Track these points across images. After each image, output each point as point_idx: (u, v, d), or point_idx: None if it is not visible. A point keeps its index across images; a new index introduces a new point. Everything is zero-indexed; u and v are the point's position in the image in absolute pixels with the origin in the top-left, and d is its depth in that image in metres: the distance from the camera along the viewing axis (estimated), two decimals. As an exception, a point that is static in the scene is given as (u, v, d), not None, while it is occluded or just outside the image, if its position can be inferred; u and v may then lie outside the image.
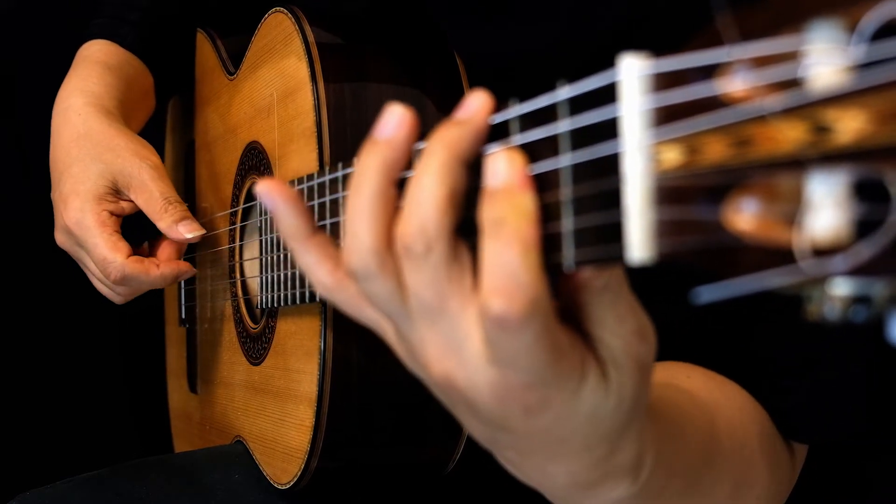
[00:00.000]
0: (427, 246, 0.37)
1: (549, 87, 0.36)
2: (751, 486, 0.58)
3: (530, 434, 0.40)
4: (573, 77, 0.35)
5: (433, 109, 0.73)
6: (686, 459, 0.50)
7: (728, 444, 0.55)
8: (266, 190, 0.43)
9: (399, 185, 0.40)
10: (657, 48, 0.32)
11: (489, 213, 0.36)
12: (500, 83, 0.76)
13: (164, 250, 0.88)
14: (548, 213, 0.36)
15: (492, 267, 0.36)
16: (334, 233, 0.62)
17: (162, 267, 0.85)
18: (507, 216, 0.36)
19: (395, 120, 0.41)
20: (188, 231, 0.85)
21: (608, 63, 0.33)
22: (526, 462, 0.43)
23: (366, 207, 0.39)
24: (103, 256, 0.82)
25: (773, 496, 0.61)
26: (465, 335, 0.38)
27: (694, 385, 0.58)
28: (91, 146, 0.85)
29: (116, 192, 0.85)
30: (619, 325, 0.38)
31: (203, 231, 0.86)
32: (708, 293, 0.29)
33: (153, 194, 0.85)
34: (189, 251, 1.01)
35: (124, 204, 0.86)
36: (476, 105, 0.39)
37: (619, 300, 0.38)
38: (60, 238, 0.87)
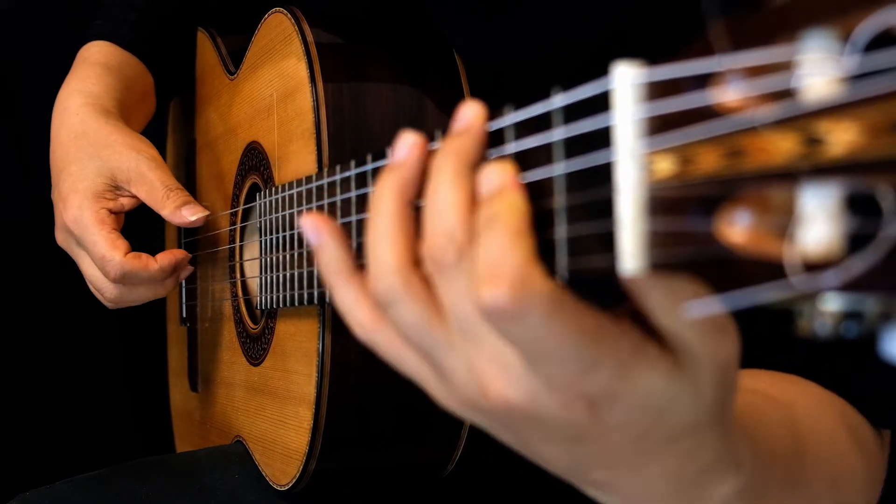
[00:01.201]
0: (458, 252, 0.36)
1: (548, 87, 0.36)
2: (849, 478, 0.55)
3: (608, 436, 0.37)
4: (572, 78, 0.35)
5: (433, 110, 0.73)
6: (778, 455, 0.47)
7: (813, 437, 0.53)
8: (311, 224, 0.43)
9: (417, 212, 0.40)
10: (657, 48, 0.31)
11: (483, 214, 0.36)
12: (499, 83, 0.76)
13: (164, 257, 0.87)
14: (542, 221, 0.36)
15: (483, 261, 0.35)
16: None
17: (160, 259, 0.85)
18: (499, 212, 0.35)
19: (407, 144, 0.41)
20: (192, 214, 0.85)
21: (608, 64, 0.32)
22: (619, 477, 0.40)
23: (386, 228, 0.39)
24: (102, 254, 0.82)
25: (870, 485, 0.58)
26: (502, 345, 0.37)
27: (763, 384, 0.56)
28: (88, 145, 0.85)
29: (116, 189, 0.86)
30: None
31: (207, 212, 0.86)
32: (699, 307, 0.29)
33: (154, 184, 0.85)
34: (191, 250, 1.01)
35: (124, 200, 0.86)
36: (471, 114, 0.39)
37: (683, 290, 0.36)
38: (60, 237, 0.88)
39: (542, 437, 0.38)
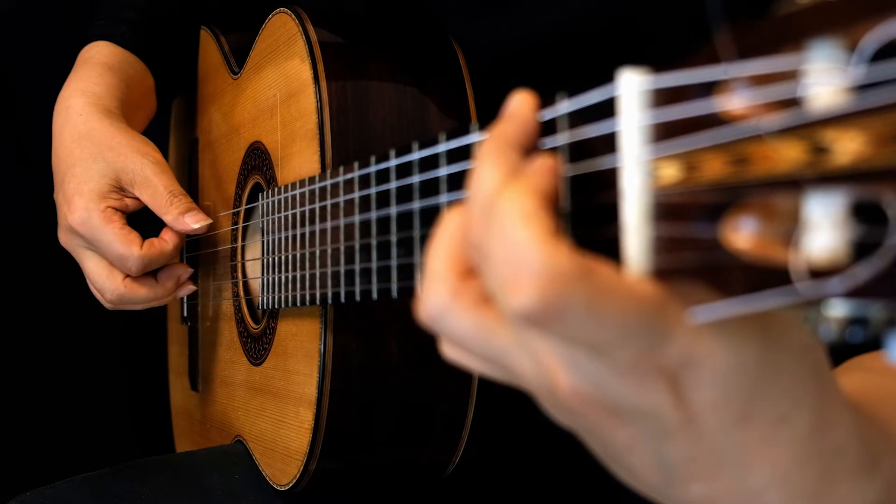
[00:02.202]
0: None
1: (551, 79, 0.36)
2: None
3: (700, 422, 0.32)
4: (574, 70, 0.35)
5: (436, 110, 0.73)
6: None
7: None
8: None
9: None
10: (660, 37, 0.31)
11: (478, 213, 0.33)
12: (501, 76, 0.77)
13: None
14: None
15: (498, 262, 0.31)
16: (334, 237, 0.62)
17: (170, 239, 0.86)
18: (505, 197, 0.32)
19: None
20: (195, 221, 0.85)
21: (609, 55, 0.32)
22: (722, 487, 0.34)
23: (443, 240, 0.36)
24: (120, 252, 0.83)
25: None
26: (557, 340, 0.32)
27: (882, 375, 0.48)
28: (92, 146, 0.86)
29: (120, 190, 0.86)
30: None
31: (210, 220, 0.87)
32: (704, 313, 0.29)
33: (157, 189, 0.85)
34: (192, 250, 1.01)
35: (128, 201, 0.86)
36: (516, 101, 0.37)
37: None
38: (64, 238, 0.88)
39: (626, 440, 0.34)
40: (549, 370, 0.33)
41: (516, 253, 0.31)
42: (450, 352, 0.37)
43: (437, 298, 0.35)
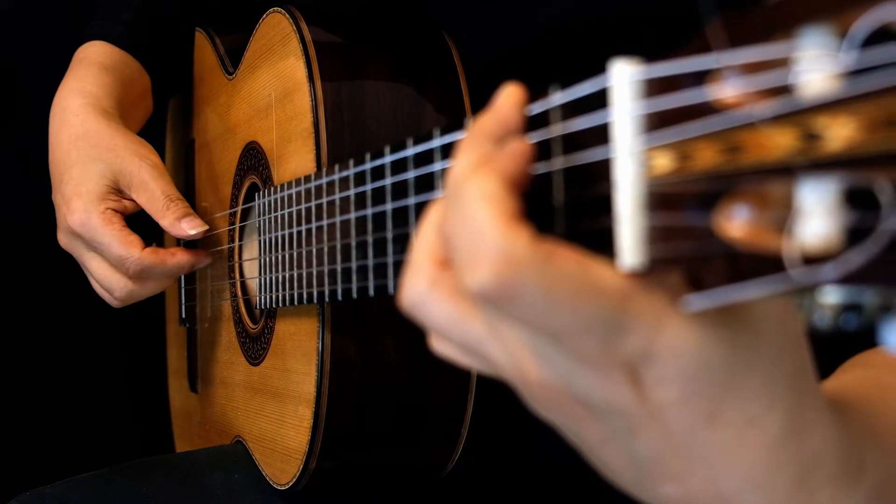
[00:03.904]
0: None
1: (547, 77, 0.36)
2: None
3: (664, 419, 0.31)
4: (570, 68, 0.35)
5: (431, 108, 0.73)
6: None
7: None
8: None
9: None
10: (657, 34, 0.31)
11: (447, 199, 0.33)
12: (495, 73, 0.76)
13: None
14: (541, 218, 0.36)
15: (458, 239, 0.32)
16: (330, 234, 0.62)
17: (178, 255, 0.86)
18: (470, 177, 0.32)
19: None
20: (191, 227, 0.85)
21: (606, 51, 0.32)
22: (695, 489, 0.33)
23: (424, 231, 0.36)
24: (119, 254, 0.83)
25: None
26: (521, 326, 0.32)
27: (880, 371, 0.47)
28: (90, 147, 0.86)
29: (118, 192, 0.86)
30: None
31: (206, 227, 0.87)
32: (698, 301, 0.29)
33: (154, 193, 0.85)
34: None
35: (127, 203, 0.86)
36: (502, 95, 0.37)
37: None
38: (64, 240, 0.88)
39: (597, 434, 0.34)
40: (519, 360, 0.33)
41: (476, 233, 0.31)
42: (437, 345, 0.37)
43: (416, 287, 0.35)
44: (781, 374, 0.32)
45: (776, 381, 0.32)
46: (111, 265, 0.85)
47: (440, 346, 0.37)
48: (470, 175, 0.33)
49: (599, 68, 0.33)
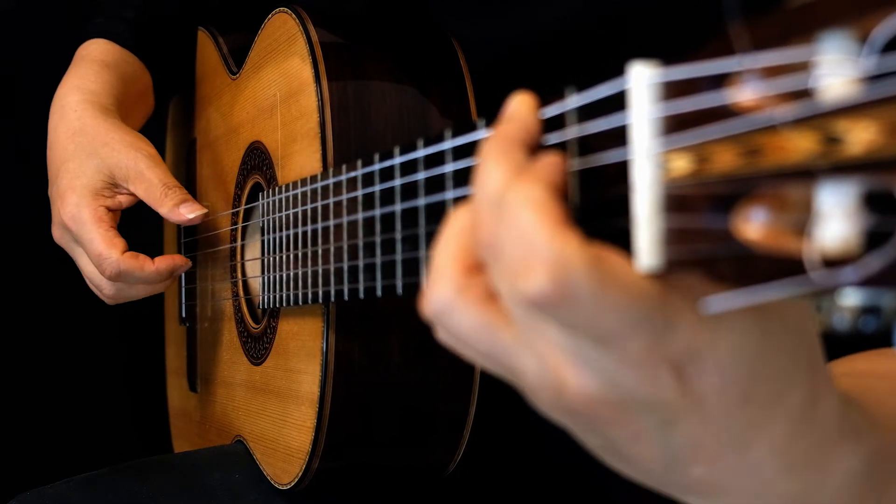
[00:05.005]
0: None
1: (551, 77, 0.36)
2: None
3: (705, 407, 0.33)
4: (574, 67, 0.35)
5: (437, 108, 0.73)
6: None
7: None
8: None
9: None
10: (661, 34, 0.32)
11: (487, 208, 0.33)
12: (501, 73, 0.77)
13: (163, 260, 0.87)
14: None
15: (512, 247, 0.32)
16: (337, 234, 0.62)
17: (157, 262, 0.85)
18: (519, 185, 0.33)
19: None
20: (190, 212, 0.85)
21: (610, 51, 0.32)
22: (724, 468, 0.35)
23: (448, 238, 0.36)
24: (99, 252, 0.82)
25: None
26: (566, 332, 0.33)
27: (860, 365, 0.51)
28: (86, 142, 0.86)
29: (114, 186, 0.86)
30: None
31: (205, 210, 0.87)
32: (718, 303, 0.29)
33: (152, 182, 0.85)
34: (190, 250, 1.01)
35: (122, 198, 0.86)
36: (516, 102, 0.38)
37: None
38: (57, 234, 0.88)
39: (632, 430, 0.34)
40: (554, 369, 0.34)
41: (528, 239, 0.31)
42: (446, 338, 0.37)
43: (443, 295, 0.35)
44: (804, 353, 0.34)
45: (798, 360, 0.34)
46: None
47: (453, 345, 0.37)
48: (512, 184, 0.33)
49: (601, 69, 0.33)
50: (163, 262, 0.85)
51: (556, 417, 0.36)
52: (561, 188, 0.34)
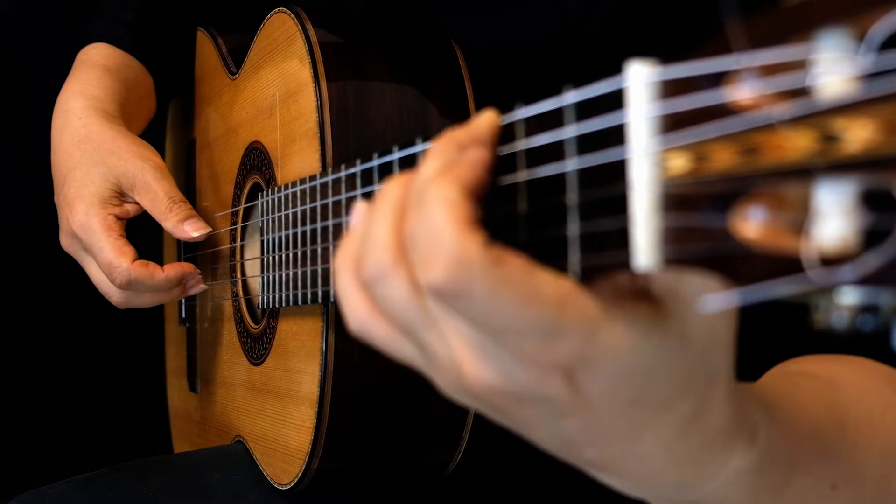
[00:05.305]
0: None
1: (551, 76, 0.36)
2: None
3: (593, 407, 0.35)
4: (573, 68, 0.35)
5: (436, 108, 0.73)
6: (811, 424, 0.45)
7: (860, 408, 0.49)
8: (361, 209, 0.41)
9: None
10: (660, 35, 0.32)
11: (414, 198, 0.36)
12: (500, 75, 0.77)
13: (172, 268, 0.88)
14: (553, 218, 0.36)
15: (417, 238, 0.35)
16: (337, 233, 0.62)
17: (166, 270, 0.85)
18: (432, 180, 0.35)
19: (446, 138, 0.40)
20: (194, 230, 0.85)
21: (610, 52, 0.33)
22: (613, 454, 0.38)
23: (385, 208, 0.38)
24: (109, 261, 0.82)
25: None
26: (466, 323, 0.36)
27: (806, 365, 0.54)
28: (93, 149, 0.86)
29: (121, 195, 0.86)
30: None
31: (209, 229, 0.87)
32: (715, 301, 0.29)
33: (157, 195, 0.85)
34: (190, 250, 1.01)
35: (129, 206, 0.86)
36: (479, 117, 0.40)
37: (698, 284, 0.34)
38: (66, 242, 0.88)
39: (527, 416, 0.37)
40: (457, 355, 0.36)
41: (436, 235, 0.34)
42: (371, 324, 0.40)
43: (381, 262, 0.37)
44: (701, 371, 0.36)
45: (693, 377, 0.36)
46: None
47: (375, 327, 0.39)
48: (434, 179, 0.36)
49: (601, 69, 0.33)
50: (172, 270, 0.86)
51: (457, 399, 0.39)
52: (477, 188, 0.37)
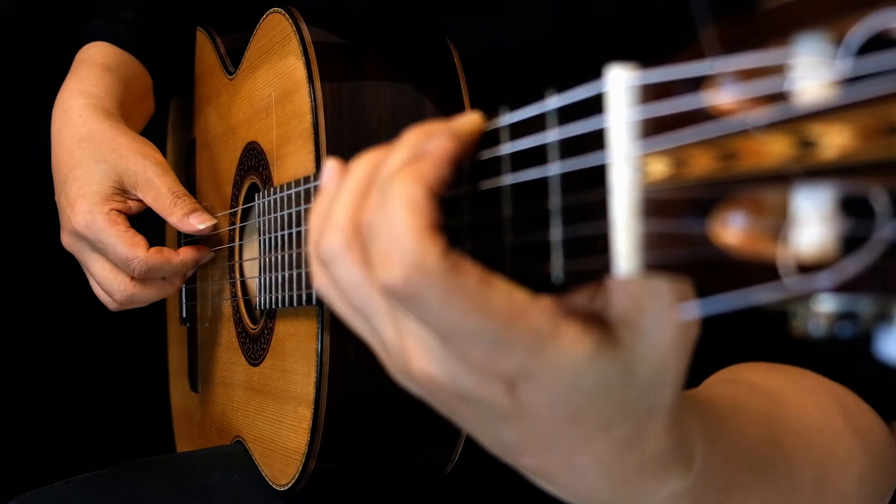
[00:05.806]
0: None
1: (546, 78, 0.36)
2: (843, 467, 0.53)
3: (532, 418, 0.36)
4: (569, 69, 0.35)
5: (431, 108, 0.73)
6: (748, 444, 0.46)
7: (797, 423, 0.51)
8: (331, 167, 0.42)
9: None
10: (655, 36, 0.32)
11: (377, 189, 0.36)
12: (495, 75, 0.77)
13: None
14: (537, 222, 0.36)
15: (378, 238, 0.35)
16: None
17: (182, 253, 0.86)
18: (396, 181, 0.35)
19: (419, 131, 0.40)
20: (200, 222, 0.85)
21: (605, 53, 0.32)
22: (550, 465, 0.38)
23: (344, 192, 0.39)
24: (125, 255, 0.82)
25: (878, 480, 0.55)
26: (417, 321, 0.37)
27: (754, 376, 0.55)
28: (94, 148, 0.85)
29: (123, 192, 0.86)
30: (629, 285, 0.35)
31: (215, 221, 0.87)
32: (693, 309, 0.29)
33: (160, 190, 0.85)
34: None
35: (132, 203, 0.86)
36: (464, 118, 0.40)
37: (676, 291, 0.35)
38: (68, 241, 0.87)
39: (469, 415, 0.38)
40: (406, 350, 0.37)
41: (396, 235, 0.34)
42: (317, 290, 0.40)
43: (334, 244, 0.38)
44: (643, 402, 0.37)
45: (634, 406, 0.37)
46: (114, 267, 0.85)
47: (331, 300, 0.40)
48: (400, 172, 0.36)
49: (596, 71, 0.33)
50: (187, 253, 0.86)
51: (405, 386, 0.40)
52: (440, 187, 0.37)
